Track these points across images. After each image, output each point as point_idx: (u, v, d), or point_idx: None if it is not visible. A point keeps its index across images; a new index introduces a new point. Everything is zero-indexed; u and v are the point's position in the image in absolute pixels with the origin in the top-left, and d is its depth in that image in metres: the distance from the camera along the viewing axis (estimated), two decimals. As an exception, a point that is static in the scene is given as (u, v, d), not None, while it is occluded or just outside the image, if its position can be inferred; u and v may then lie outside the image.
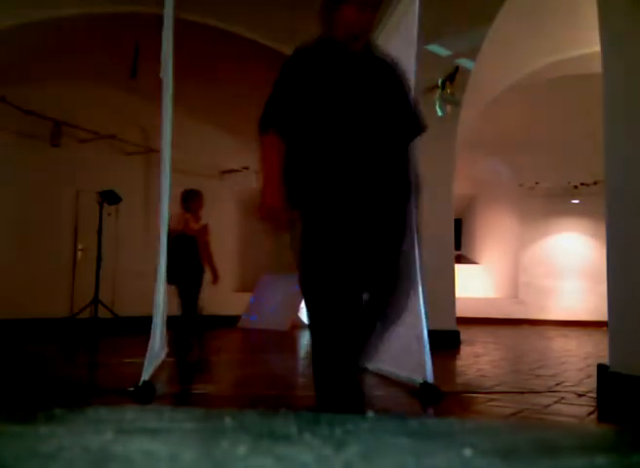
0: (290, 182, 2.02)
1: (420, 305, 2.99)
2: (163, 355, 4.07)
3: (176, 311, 4.75)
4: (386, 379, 3.29)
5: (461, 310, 6.67)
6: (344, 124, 2.02)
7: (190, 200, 5.18)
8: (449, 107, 5.86)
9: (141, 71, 6.05)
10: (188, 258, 4.99)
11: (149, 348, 2.77)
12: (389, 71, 2.19)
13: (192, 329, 4.91)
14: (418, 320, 3.00)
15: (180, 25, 3.28)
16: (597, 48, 2.76)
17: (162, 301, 3.55)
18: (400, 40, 3.36)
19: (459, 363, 4.66)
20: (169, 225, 4.90)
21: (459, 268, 6.98)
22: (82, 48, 6.71)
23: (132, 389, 2.59)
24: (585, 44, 6.29)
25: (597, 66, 2.78)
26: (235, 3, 6.10)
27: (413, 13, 3.20)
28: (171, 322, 4.61)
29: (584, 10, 5.22)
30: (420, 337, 2.99)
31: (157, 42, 3.19)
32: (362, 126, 2.04)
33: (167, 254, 4.84)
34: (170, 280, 4.86)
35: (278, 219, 1.98)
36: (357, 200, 1.99)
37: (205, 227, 5.27)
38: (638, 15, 2.53)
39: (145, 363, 2.71)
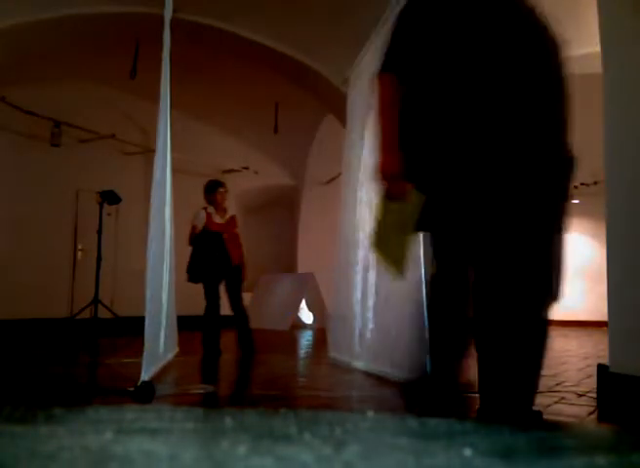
0: (407, 154, 1.78)
1: (422, 305, 2.99)
2: (170, 355, 4.05)
3: (182, 310, 4.68)
4: (386, 379, 3.29)
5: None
6: (476, 92, 1.72)
7: (213, 192, 4.79)
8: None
9: (141, 71, 6.05)
10: (213, 256, 4.65)
11: (146, 348, 2.76)
12: (538, 23, 1.84)
13: (213, 328, 4.71)
14: (419, 320, 3.00)
15: (180, 26, 3.29)
16: (597, 48, 2.75)
17: (166, 300, 3.54)
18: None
19: (458, 363, 4.64)
20: (192, 224, 4.77)
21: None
22: (82, 48, 6.72)
23: (132, 389, 2.59)
24: (585, 44, 6.28)
25: (597, 66, 2.78)
26: (235, 3, 6.09)
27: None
28: (183, 322, 4.56)
29: (584, 9, 5.22)
30: (420, 338, 2.99)
31: (157, 42, 3.19)
32: (500, 94, 1.73)
33: (192, 254, 4.74)
34: (193, 279, 4.73)
35: (397, 185, 1.77)
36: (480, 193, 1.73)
37: (232, 219, 4.91)
38: (639, 15, 2.53)
39: (144, 363, 2.70)
